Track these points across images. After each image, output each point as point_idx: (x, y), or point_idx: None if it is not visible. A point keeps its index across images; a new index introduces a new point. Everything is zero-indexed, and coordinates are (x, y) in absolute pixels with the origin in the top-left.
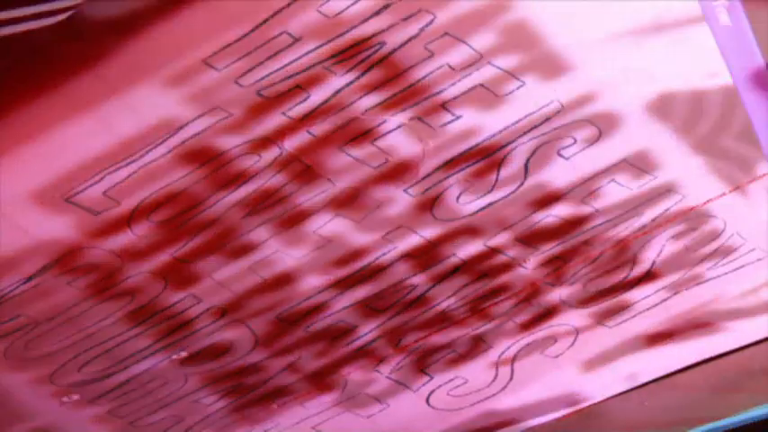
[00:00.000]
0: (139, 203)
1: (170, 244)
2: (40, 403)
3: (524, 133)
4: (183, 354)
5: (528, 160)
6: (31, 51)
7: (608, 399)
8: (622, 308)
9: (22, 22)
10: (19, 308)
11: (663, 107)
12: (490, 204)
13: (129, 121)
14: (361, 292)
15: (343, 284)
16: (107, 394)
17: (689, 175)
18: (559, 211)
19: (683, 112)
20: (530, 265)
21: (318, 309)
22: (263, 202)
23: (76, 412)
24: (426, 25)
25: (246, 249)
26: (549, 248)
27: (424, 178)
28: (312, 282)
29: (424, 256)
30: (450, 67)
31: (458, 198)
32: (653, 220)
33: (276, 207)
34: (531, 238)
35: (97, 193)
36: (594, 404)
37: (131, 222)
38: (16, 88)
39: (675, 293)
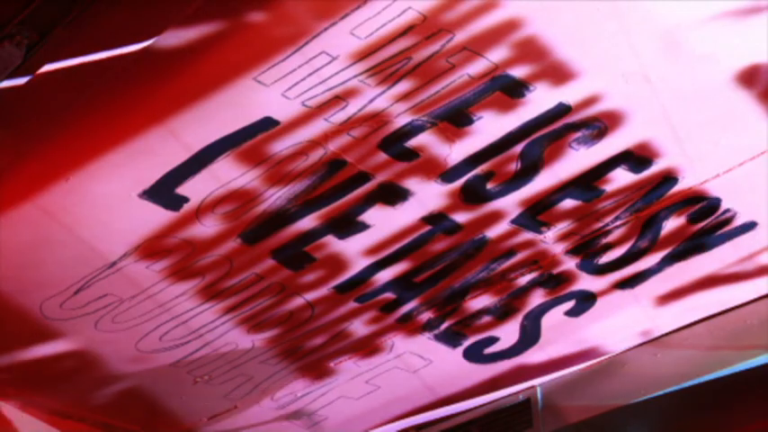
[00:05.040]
0: (205, 198)
1: (233, 232)
2: (128, 368)
3: (539, 130)
4: (251, 324)
5: (543, 152)
6: (110, 76)
7: (625, 351)
8: (634, 274)
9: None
10: (106, 288)
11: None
12: (512, 190)
13: (193, 130)
14: (402, 268)
15: (387, 261)
16: (186, 358)
17: (687, 159)
18: (573, 194)
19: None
20: (549, 240)
21: (366, 282)
22: (311, 196)
23: (160, 375)
24: (446, 42)
25: (300, 235)
26: (566, 225)
27: (452, 170)
28: (360, 260)
29: (457, 236)
30: (469, 76)
31: (483, 186)
32: (657, 199)
33: (323, 199)
34: (550, 217)
35: (167, 190)
36: (614, 356)
37: (199, 215)
38: (94, 109)
39: (680, 261)
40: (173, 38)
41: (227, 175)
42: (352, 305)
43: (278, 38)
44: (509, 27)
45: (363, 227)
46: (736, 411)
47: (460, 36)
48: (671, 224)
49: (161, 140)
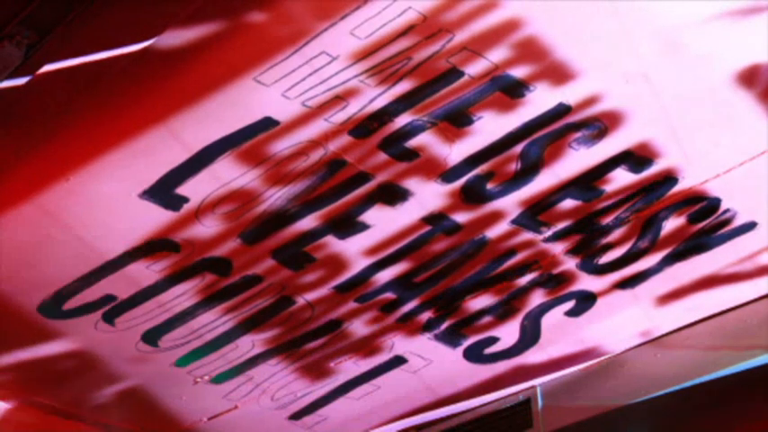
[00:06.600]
0: (205, 198)
1: (233, 232)
2: (128, 368)
3: (539, 130)
4: (251, 324)
5: (543, 152)
6: (110, 76)
7: (625, 351)
8: (634, 274)
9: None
10: (106, 288)
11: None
12: (512, 190)
13: (193, 130)
14: (402, 268)
15: (387, 261)
16: (186, 356)
17: (686, 159)
18: (573, 194)
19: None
20: (549, 241)
21: (366, 282)
22: (311, 196)
23: (160, 375)
24: (446, 42)
25: (300, 235)
26: (566, 225)
27: (452, 170)
28: (360, 260)
29: (457, 236)
30: (470, 76)
31: (483, 186)
32: (657, 199)
33: (323, 199)
34: (550, 217)
35: (167, 190)
36: (614, 356)
37: (199, 215)
38: (94, 109)
39: (680, 261)
40: (173, 38)
41: (227, 175)
42: (352, 305)
43: (278, 38)
44: (509, 27)
45: (363, 227)
46: (736, 411)
47: (460, 36)
48: (671, 224)
49: (161, 140)
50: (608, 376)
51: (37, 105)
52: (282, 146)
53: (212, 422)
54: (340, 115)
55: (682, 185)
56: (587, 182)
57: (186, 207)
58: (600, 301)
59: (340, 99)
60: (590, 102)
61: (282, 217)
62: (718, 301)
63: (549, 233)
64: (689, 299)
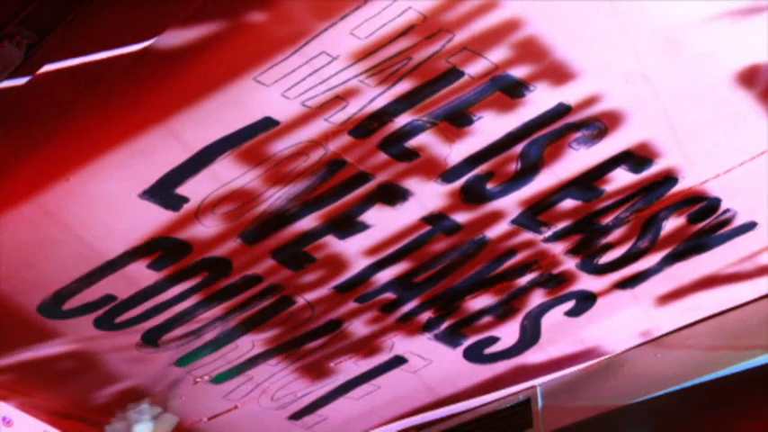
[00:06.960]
0: (205, 198)
1: (233, 232)
2: (128, 368)
3: (539, 130)
4: (251, 324)
5: (543, 152)
6: (110, 76)
7: (625, 351)
8: (634, 274)
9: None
10: (106, 288)
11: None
12: (512, 190)
13: (193, 130)
14: (402, 268)
15: (387, 261)
16: (186, 356)
17: (687, 160)
18: (573, 194)
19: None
20: (549, 241)
21: (366, 282)
22: (311, 196)
23: (160, 375)
24: (446, 42)
25: (300, 235)
26: (566, 225)
27: (452, 170)
28: (360, 260)
29: (457, 236)
30: (470, 76)
31: (483, 186)
32: (657, 199)
33: (323, 199)
34: (550, 217)
35: (167, 190)
36: (614, 356)
37: (199, 215)
38: (95, 109)
39: (680, 261)
40: (173, 38)
41: (227, 175)
42: (352, 305)
43: (278, 38)
44: (509, 27)
45: (363, 227)
46: (736, 411)
47: (460, 36)
48: (671, 224)
49: (161, 140)
50: (608, 376)
51: (37, 105)
52: (282, 146)
53: (212, 422)
54: (340, 115)
55: (682, 185)
56: (587, 182)
57: (186, 207)
58: (600, 301)
59: (340, 99)
60: (590, 102)
61: (282, 217)
62: (718, 301)
63: (549, 233)
64: (689, 299)
